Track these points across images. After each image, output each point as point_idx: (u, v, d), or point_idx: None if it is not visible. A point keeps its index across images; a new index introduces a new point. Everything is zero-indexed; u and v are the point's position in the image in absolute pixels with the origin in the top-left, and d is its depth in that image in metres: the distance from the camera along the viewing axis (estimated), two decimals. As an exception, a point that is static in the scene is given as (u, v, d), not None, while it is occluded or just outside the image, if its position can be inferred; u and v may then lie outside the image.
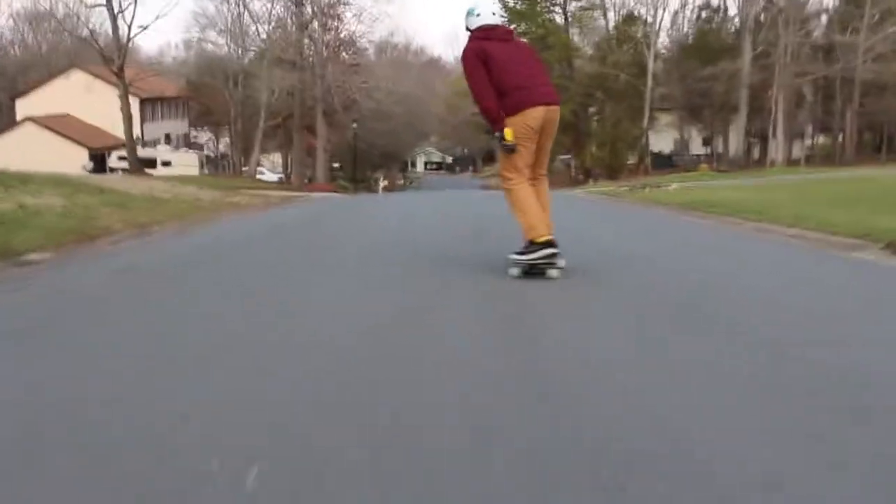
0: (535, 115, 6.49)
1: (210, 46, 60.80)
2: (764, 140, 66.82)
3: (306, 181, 48.37)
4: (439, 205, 21.31)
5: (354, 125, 56.99)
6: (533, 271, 6.46)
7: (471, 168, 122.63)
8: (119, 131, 54.48)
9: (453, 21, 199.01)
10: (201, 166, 61.09)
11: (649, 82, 57.01)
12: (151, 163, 57.45)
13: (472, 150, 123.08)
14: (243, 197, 24.11)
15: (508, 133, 6.43)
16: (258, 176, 56.23)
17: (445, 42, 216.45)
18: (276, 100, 53.64)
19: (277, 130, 58.35)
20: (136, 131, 63.59)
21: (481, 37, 6.67)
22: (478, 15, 6.80)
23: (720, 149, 69.38)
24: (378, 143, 77.07)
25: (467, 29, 6.86)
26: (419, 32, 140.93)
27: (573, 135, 59.82)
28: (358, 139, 71.61)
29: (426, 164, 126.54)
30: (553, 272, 6.46)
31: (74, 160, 57.84)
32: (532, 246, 6.47)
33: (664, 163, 63.66)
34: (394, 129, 78.40)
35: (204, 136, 78.60)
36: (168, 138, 72.03)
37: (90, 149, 61.10)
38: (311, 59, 47.09)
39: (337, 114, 57.24)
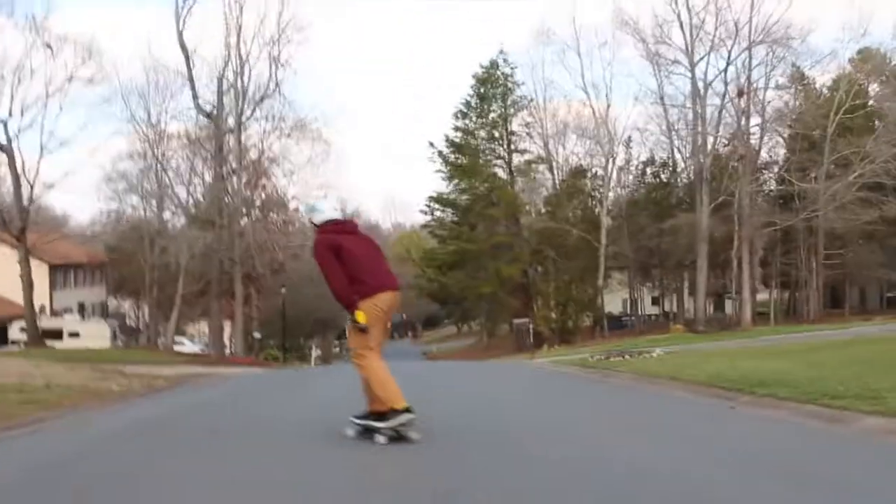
0: (384, 299, 7.35)
1: (127, 209, 55.80)
2: (718, 297, 63.30)
3: (230, 353, 42.81)
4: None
5: (283, 290, 51.87)
6: (398, 435, 7.16)
7: (410, 334, 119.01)
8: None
9: (390, 188, 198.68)
10: (114, 337, 55.40)
11: (603, 238, 53.09)
12: (57, 334, 52.14)
13: (410, 316, 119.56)
14: (122, 379, 18.69)
15: (360, 315, 7.18)
16: (176, 347, 50.44)
17: (383, 209, 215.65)
18: (194, 263, 48.54)
19: (201, 298, 52.89)
20: (45, 300, 58.28)
21: (332, 230, 7.55)
22: (322, 211, 7.76)
23: (672, 307, 65.77)
24: (312, 310, 72.04)
25: (312, 223, 7.83)
26: (356, 198, 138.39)
27: (522, 296, 55.47)
28: (289, 305, 66.75)
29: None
30: (413, 434, 7.23)
31: (-32, 332, 52.34)
32: (392, 413, 7.14)
33: (615, 324, 59.36)
34: (328, 295, 73.31)
35: (125, 305, 72.82)
36: (81, 307, 66.28)
37: (-13, 319, 55.11)
38: (227, 217, 42.20)
39: (264, 278, 52.33)
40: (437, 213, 62.33)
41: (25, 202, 47.31)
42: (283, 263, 48.14)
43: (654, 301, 70.42)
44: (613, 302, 65.98)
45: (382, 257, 7.78)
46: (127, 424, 10.34)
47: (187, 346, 54.46)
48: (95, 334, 52.65)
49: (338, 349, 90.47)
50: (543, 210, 60.08)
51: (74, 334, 52.46)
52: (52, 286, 61.62)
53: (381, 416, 7.25)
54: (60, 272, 63.40)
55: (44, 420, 10.71)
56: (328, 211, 7.74)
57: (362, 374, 7.41)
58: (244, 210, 45.94)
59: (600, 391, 14.62)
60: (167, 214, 50.58)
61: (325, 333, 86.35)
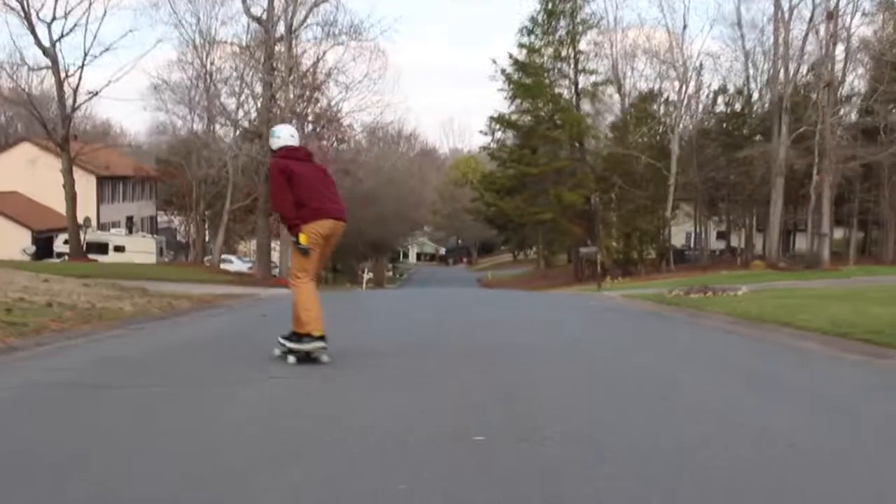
0: (325, 225, 7.76)
1: (175, 121, 53.53)
2: (787, 234, 59.93)
3: (276, 273, 40.55)
4: (430, 315, 16.24)
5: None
6: (309, 357, 7.64)
7: (465, 259, 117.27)
8: (79, 212, 47.80)
9: (449, 112, 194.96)
10: (160, 253, 53.75)
11: (673, 167, 49.83)
12: (102, 248, 50.89)
13: (466, 241, 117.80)
14: (140, 299, 16.51)
15: (303, 238, 7.64)
16: (224, 265, 48.47)
17: (441, 132, 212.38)
18: (243, 178, 46.26)
19: (250, 215, 50.68)
20: (91, 213, 56.69)
21: (285, 155, 7.98)
22: (278, 137, 8.20)
23: (739, 243, 62.56)
24: (365, 232, 69.74)
25: (271, 149, 8.31)
26: (413, 118, 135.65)
27: (583, 225, 52.69)
28: (340, 226, 64.48)
29: (419, 255, 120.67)
30: (325, 358, 7.72)
31: (16, 243, 50.97)
32: (307, 338, 7.69)
33: (678, 258, 56.47)
34: (383, 217, 71.32)
35: (176, 220, 71.21)
36: (130, 221, 64.84)
37: (34, 231, 53.73)
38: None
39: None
40: (498, 135, 59.14)
41: (68, 110, 45.39)
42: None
43: (720, 236, 67.06)
44: (677, 235, 62.97)
45: (332, 186, 8.21)
46: (86, 365, 7.99)
47: (235, 265, 52.59)
48: (141, 249, 51.16)
49: (391, 273, 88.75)
50: (610, 135, 56.77)
51: (120, 248, 51.16)
52: (100, 199, 60.17)
53: (299, 337, 7.74)
54: (108, 185, 61.87)
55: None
56: (285, 137, 8.17)
57: (293, 294, 7.92)
58: (294, 122, 43.27)
59: (703, 337, 12.00)
60: (216, 128, 48.03)
61: (379, 256, 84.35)
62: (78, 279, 18.55)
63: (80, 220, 48.45)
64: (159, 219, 73.24)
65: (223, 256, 49.79)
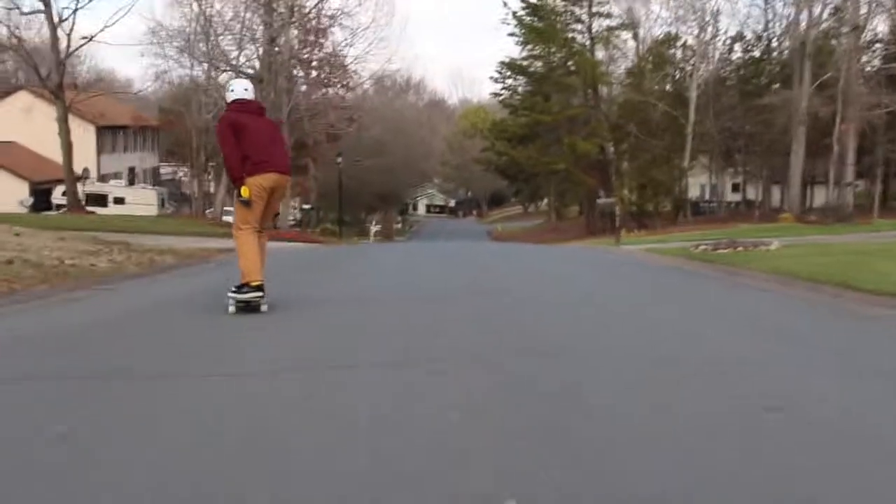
0: (268, 178, 7.93)
1: (174, 66, 51.58)
2: (805, 186, 57.89)
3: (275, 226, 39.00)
4: (438, 269, 15.35)
5: (339, 159, 47.84)
6: (248, 307, 7.79)
7: (474, 212, 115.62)
8: (74, 164, 46.13)
9: (459, 62, 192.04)
10: (162, 205, 52.18)
11: (691, 115, 47.84)
12: (101, 199, 49.40)
13: (476, 193, 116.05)
14: (120, 255, 14.99)
15: (245, 190, 7.82)
16: (226, 217, 46.75)
17: (450, 82, 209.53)
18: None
19: (253, 165, 48.99)
20: (91, 163, 55.12)
21: (236, 109, 8.10)
22: (232, 90, 8.34)
23: (756, 195, 60.83)
24: (373, 183, 68.24)
25: (226, 102, 8.35)
26: (420, 69, 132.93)
27: (597, 175, 50.95)
28: (349, 178, 62.70)
29: (428, 207, 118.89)
30: (264, 307, 7.87)
31: (13, 195, 49.49)
32: (245, 287, 7.83)
33: (693, 211, 54.57)
34: (391, 167, 69.84)
35: (181, 172, 69.57)
36: (132, 173, 63.21)
37: (32, 182, 52.15)
38: (274, 72, 37.45)
39: (320, 147, 48.33)
40: (509, 82, 56.95)
41: (62, 56, 43.57)
42: (338, 131, 43.73)
43: (735, 188, 65.09)
44: (692, 187, 60.90)
45: (280, 141, 8.58)
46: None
47: (237, 217, 50.94)
48: (142, 201, 49.68)
49: (399, 225, 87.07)
50: (625, 82, 54.68)
51: (120, 200, 49.67)
52: (100, 149, 58.45)
53: (239, 287, 7.86)
54: (109, 135, 60.10)
55: None
56: (238, 91, 8.26)
57: (236, 245, 8.15)
58: (297, 68, 41.46)
59: (752, 301, 10.11)
60: (216, 73, 46.06)
61: (388, 208, 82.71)
62: (54, 232, 16.96)
63: (80, 171, 46.97)
64: (164, 170, 71.62)
65: (226, 208, 48.13)
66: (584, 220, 64.20)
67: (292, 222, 73.42)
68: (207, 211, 48.21)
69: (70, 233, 19.31)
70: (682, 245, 23.46)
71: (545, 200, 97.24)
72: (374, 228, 56.14)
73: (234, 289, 7.86)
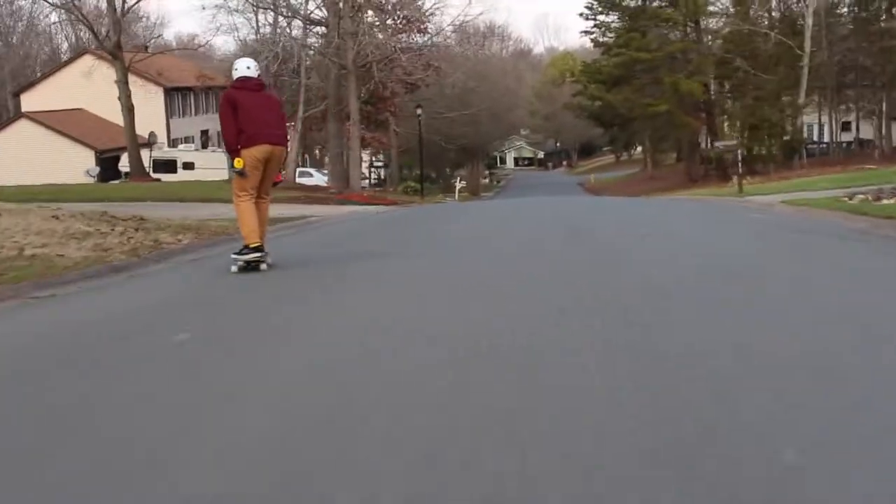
0: (262, 150, 8.55)
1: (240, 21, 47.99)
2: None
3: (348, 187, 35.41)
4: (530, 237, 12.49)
5: (419, 112, 44.02)
6: (249, 266, 8.47)
7: (564, 163, 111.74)
8: (142, 129, 43.62)
9: (544, 8, 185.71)
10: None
11: (807, 44, 42.58)
12: (170, 165, 46.79)
13: (565, 144, 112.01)
14: (117, 238, 11.56)
15: (238, 162, 8.53)
16: (301, 179, 43.39)
17: (535, 30, 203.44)
18: (319, 80, 41.12)
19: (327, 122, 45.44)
20: (161, 128, 52.50)
21: (236, 86, 8.83)
22: (236, 69, 9.05)
23: (871, 135, 55.52)
24: (457, 136, 64.23)
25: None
26: (503, 15, 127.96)
27: (703, 117, 46.22)
28: (431, 131, 58.83)
29: (516, 159, 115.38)
30: (263, 266, 8.55)
31: (81, 165, 47.29)
32: (245, 249, 8.54)
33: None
34: (476, 119, 65.75)
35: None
36: (205, 135, 60.34)
37: (98, 150, 49.62)
38: (338, 14, 33.51)
39: (395, 99, 44.64)
40: (601, 18, 51.76)
41: (118, 13, 40.75)
42: (415, 79, 39.89)
43: (844, 126, 59.16)
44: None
45: (275, 115, 9.00)
46: None
47: (315, 178, 47.64)
48: (212, 165, 46.62)
49: (487, 179, 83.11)
50: (731, 10, 48.98)
51: (189, 165, 46.91)
52: (169, 113, 55.68)
53: (240, 250, 8.63)
54: (178, 97, 57.23)
55: None
56: (241, 69, 8.95)
57: (235, 211, 8.92)
58: (367, 12, 37.50)
59: None
60: (281, 20, 42.42)
61: (474, 162, 78.71)
62: (50, 211, 13.60)
63: (146, 136, 44.22)
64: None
65: (301, 169, 44.86)
66: (683, 167, 59.54)
67: (372, 182, 70.38)
68: (280, 172, 44.90)
69: (88, 206, 16.09)
70: (823, 194, 19.29)
71: (639, 148, 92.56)
72: (458, 185, 52.19)
73: (236, 252, 8.62)
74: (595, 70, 50.72)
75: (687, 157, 57.85)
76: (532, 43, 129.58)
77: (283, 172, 11.13)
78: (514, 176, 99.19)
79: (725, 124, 48.92)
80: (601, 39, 51.68)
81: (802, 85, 42.63)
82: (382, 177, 67.82)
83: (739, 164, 23.55)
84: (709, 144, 48.14)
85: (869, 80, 51.60)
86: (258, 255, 8.50)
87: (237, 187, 8.74)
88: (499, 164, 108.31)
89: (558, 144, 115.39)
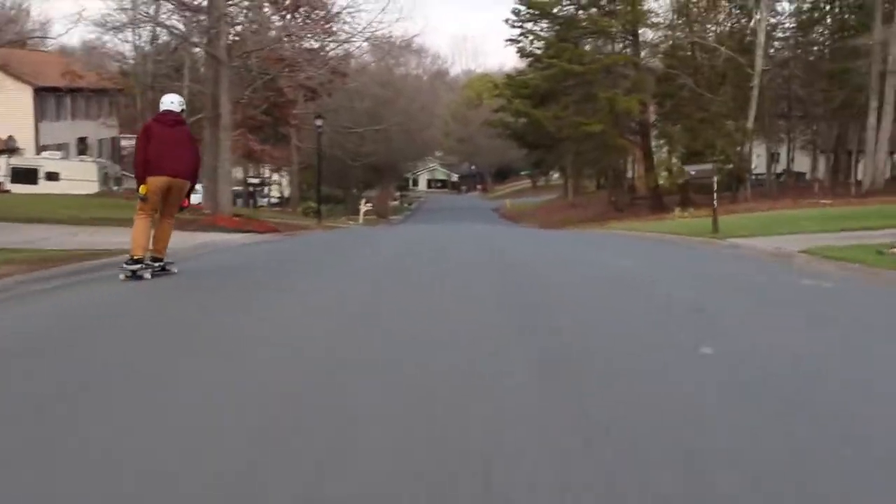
0: (160, 181, 9.67)
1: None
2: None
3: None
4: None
5: (319, 122, 38.23)
6: (135, 276, 9.53)
7: (479, 187, 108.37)
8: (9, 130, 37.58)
9: (462, 22, 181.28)
10: (104, 181, 42.99)
11: (758, 63, 37.80)
12: (31, 175, 41.27)
13: (480, 167, 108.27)
14: None
15: (143, 189, 9.77)
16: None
17: (453, 49, 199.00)
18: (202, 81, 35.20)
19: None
20: (28, 132, 46.08)
21: (155, 119, 10.21)
22: (162, 103, 10.37)
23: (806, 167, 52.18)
24: (367, 155, 58.86)
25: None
26: (423, 33, 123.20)
27: (640, 139, 41.42)
28: (337, 147, 53.23)
29: (429, 182, 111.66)
30: (146, 274, 9.65)
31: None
32: (131, 260, 9.64)
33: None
34: (388, 137, 60.71)
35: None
36: (83, 143, 53.66)
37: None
38: None
39: (295, 106, 39.02)
40: (529, 26, 45.79)
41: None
42: (314, 84, 34.13)
43: (772, 158, 55.22)
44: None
45: (184, 149, 10.03)
46: None
47: (198, 195, 41.58)
48: (80, 177, 40.84)
49: (397, 202, 77.58)
50: (674, 22, 43.66)
51: (53, 176, 41.01)
52: (39, 115, 48.87)
53: (128, 260, 9.75)
54: (52, 99, 50.33)
55: None
56: (166, 103, 10.24)
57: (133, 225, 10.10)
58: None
59: None
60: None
61: (386, 183, 73.21)
62: None
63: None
64: (125, 142, 61.44)
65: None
66: (605, 195, 55.01)
67: (274, 201, 64.48)
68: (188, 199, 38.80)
69: None
70: (823, 238, 14.56)
71: (556, 175, 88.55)
72: (364, 207, 46.40)
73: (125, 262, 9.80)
74: (521, 84, 44.80)
75: (612, 185, 53.26)
76: (449, 63, 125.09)
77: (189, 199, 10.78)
78: (426, 199, 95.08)
79: (665, 149, 44.12)
80: (528, 49, 45.80)
81: (752, 107, 37.87)
82: (285, 196, 62.39)
83: (715, 194, 18.25)
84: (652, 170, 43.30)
85: (801, 111, 48.48)
86: (138, 266, 9.61)
87: (139, 206, 9.89)
88: (411, 186, 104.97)
89: (473, 167, 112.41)
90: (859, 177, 43.16)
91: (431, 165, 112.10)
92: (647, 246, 17.90)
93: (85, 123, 54.29)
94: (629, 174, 55.00)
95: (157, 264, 9.86)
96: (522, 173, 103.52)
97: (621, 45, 43.52)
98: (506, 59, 47.97)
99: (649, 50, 43.56)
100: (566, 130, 39.57)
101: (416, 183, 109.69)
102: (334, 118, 48.04)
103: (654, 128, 43.36)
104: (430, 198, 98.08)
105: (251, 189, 59.28)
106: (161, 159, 9.50)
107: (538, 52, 44.51)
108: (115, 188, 43.27)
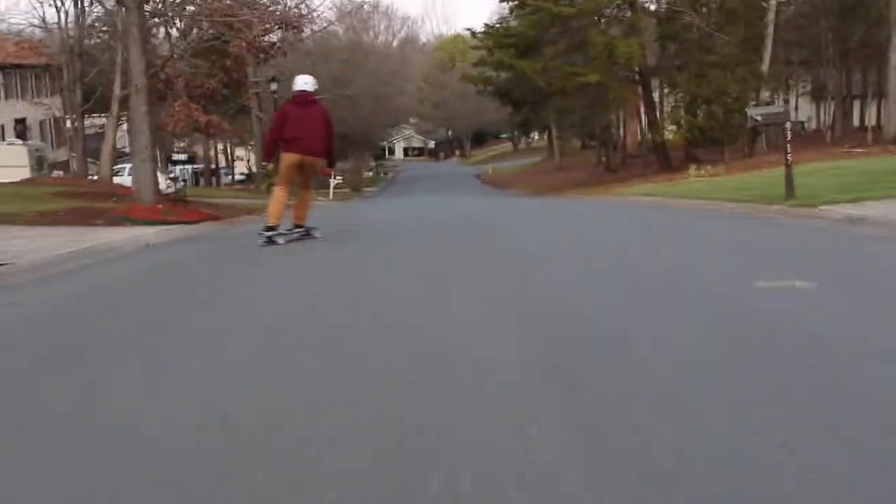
0: (293, 157, 10.61)
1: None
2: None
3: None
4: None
5: (274, 87, 33.33)
6: (270, 241, 10.46)
7: (457, 153, 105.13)
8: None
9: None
10: (39, 166, 38.20)
11: (773, -2, 33.02)
12: (-49, 161, 36.39)
13: (457, 132, 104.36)
14: None
15: (270, 166, 11.85)
16: (118, 178, 31.91)
17: (423, 13, 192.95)
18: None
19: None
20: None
21: (291, 101, 11.09)
22: (294, 84, 11.21)
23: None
24: (339, 123, 54.09)
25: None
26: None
27: (640, 90, 36.87)
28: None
29: (406, 150, 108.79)
30: (280, 240, 10.57)
31: None
32: (269, 228, 10.59)
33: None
34: (360, 104, 57.00)
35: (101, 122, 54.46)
36: (22, 125, 48.74)
37: None
38: None
39: (245, 65, 34.19)
40: None
41: None
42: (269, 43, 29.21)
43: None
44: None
45: (317, 129, 10.80)
46: None
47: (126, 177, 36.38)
48: (9, 162, 35.86)
49: (372, 173, 72.67)
50: None
51: (-23, 161, 35.91)
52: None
53: (267, 227, 10.73)
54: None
55: None
56: (299, 84, 11.07)
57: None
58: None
59: None
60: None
61: (360, 153, 68.19)
62: None
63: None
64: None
65: (117, 167, 33.42)
66: (593, 156, 50.53)
67: (241, 178, 59.67)
68: (91, 176, 33.98)
69: None
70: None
71: (536, 136, 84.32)
72: (333, 182, 41.48)
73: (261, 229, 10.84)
74: (502, 33, 39.45)
75: (601, 144, 48.62)
76: (419, 24, 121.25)
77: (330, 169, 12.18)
78: (403, 168, 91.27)
79: (669, 98, 39.21)
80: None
81: (767, 47, 33.10)
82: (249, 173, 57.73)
83: (788, 146, 13.36)
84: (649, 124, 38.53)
85: (807, 55, 45.01)
86: (271, 233, 10.53)
87: (276, 181, 11.23)
88: (387, 155, 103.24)
89: (450, 133, 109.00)
90: (871, 123, 39.67)
91: (407, 133, 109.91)
92: (719, 226, 12.38)
93: (23, 104, 49.31)
94: (619, 131, 50.35)
95: (297, 230, 10.98)
96: (502, 136, 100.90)
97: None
98: (477, 21, 43.65)
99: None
100: (557, 83, 34.52)
101: (392, 151, 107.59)
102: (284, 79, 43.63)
103: (657, 75, 38.36)
104: (408, 166, 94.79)
105: (213, 166, 54.67)
106: (294, 139, 10.50)
107: (521, -5, 39.24)
108: (57, 174, 38.57)
